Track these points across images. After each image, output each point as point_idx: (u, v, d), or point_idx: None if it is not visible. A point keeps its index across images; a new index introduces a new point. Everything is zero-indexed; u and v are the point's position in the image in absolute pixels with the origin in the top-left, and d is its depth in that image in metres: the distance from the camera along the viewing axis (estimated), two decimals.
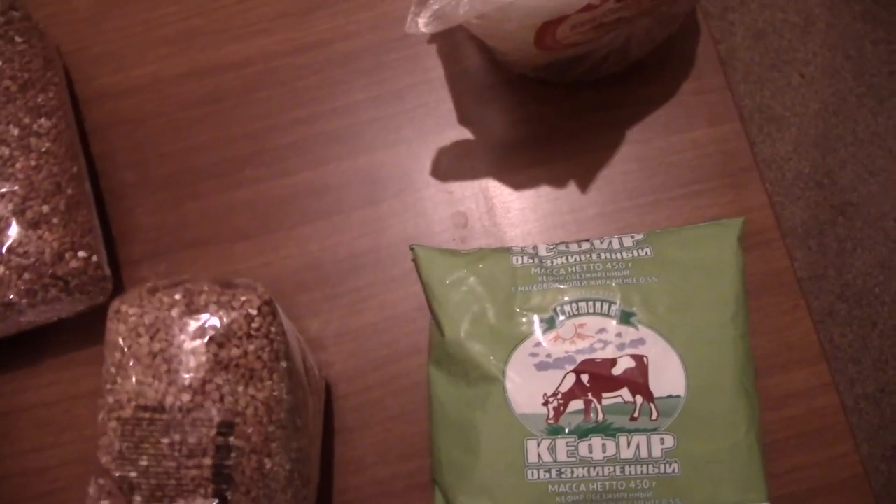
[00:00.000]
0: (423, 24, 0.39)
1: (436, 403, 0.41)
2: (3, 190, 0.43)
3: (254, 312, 0.37)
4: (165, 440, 0.36)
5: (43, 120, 0.46)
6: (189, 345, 0.36)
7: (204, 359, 0.36)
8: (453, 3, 0.37)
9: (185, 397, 0.36)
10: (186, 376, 0.36)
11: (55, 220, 0.44)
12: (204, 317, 0.37)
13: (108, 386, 0.37)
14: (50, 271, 0.43)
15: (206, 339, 0.36)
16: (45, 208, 0.44)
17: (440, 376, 0.41)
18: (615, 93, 0.49)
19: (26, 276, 0.43)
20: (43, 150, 0.45)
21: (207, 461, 0.36)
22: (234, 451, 0.36)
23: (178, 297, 0.38)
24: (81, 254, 0.44)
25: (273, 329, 0.38)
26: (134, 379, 0.36)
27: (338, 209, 0.49)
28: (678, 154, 0.48)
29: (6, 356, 0.48)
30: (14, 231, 0.43)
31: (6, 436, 0.47)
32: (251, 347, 0.37)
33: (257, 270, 0.48)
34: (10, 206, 0.43)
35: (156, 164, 0.50)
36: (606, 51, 0.44)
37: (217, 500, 0.36)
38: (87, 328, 0.47)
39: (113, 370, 0.37)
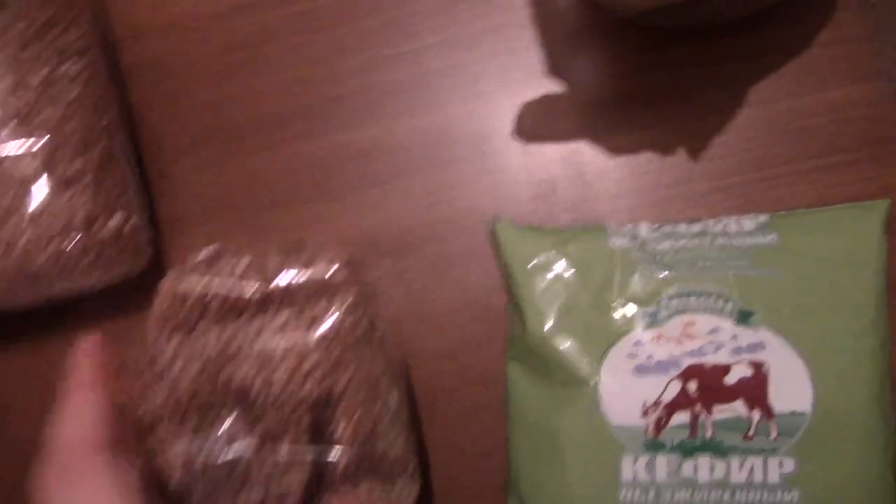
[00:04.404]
0: None
1: (514, 406, 0.37)
2: (27, 144, 0.38)
3: (341, 277, 0.32)
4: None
5: (70, 63, 0.40)
6: (276, 321, 0.32)
7: (299, 334, 0.31)
8: None
9: (281, 376, 0.31)
10: (277, 360, 0.31)
11: (87, 178, 0.39)
12: (284, 286, 0.32)
13: (160, 380, 0.32)
14: (81, 236, 0.38)
15: (298, 312, 0.32)
16: (76, 165, 0.39)
17: (520, 374, 0.37)
18: (737, 42, 0.42)
19: (55, 242, 0.38)
20: (72, 97, 0.40)
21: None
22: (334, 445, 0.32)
23: (245, 261, 0.33)
24: (118, 216, 0.40)
25: (363, 291, 0.33)
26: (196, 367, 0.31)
27: (400, 173, 0.44)
28: (811, 118, 0.41)
29: (35, 329, 0.44)
30: (41, 192, 0.38)
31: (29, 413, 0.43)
32: (349, 320, 0.32)
33: None
34: (36, 164, 0.38)
35: (192, 116, 0.45)
36: None
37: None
38: (122, 297, 0.43)
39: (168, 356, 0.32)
